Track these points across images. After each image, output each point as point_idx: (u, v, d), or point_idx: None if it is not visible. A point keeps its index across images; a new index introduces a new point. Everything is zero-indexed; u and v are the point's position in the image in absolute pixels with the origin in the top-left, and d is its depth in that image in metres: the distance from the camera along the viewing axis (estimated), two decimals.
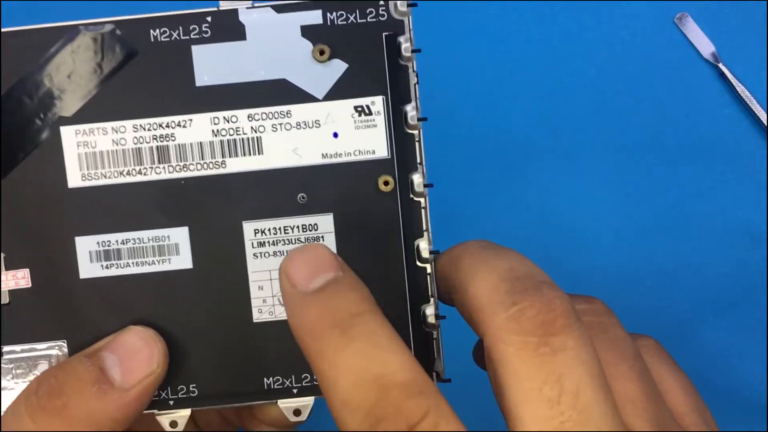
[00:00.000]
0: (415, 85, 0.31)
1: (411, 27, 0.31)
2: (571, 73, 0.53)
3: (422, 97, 0.32)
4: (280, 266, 0.29)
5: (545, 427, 0.25)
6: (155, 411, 0.32)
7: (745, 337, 0.51)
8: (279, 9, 0.31)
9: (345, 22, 0.31)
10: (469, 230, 0.51)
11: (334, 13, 0.31)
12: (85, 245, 0.32)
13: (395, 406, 0.25)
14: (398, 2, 0.31)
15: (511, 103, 0.52)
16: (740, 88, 0.52)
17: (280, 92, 0.31)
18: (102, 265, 0.32)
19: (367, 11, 0.31)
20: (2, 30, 0.32)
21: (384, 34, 0.31)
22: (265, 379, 0.32)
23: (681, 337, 0.51)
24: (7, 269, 0.32)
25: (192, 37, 0.31)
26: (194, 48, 0.31)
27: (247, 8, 0.31)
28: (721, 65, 0.52)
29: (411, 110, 0.31)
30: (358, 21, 0.31)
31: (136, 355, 0.31)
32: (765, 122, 0.51)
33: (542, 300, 0.27)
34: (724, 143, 0.52)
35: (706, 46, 0.52)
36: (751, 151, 0.52)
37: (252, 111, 0.32)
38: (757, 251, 0.52)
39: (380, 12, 0.31)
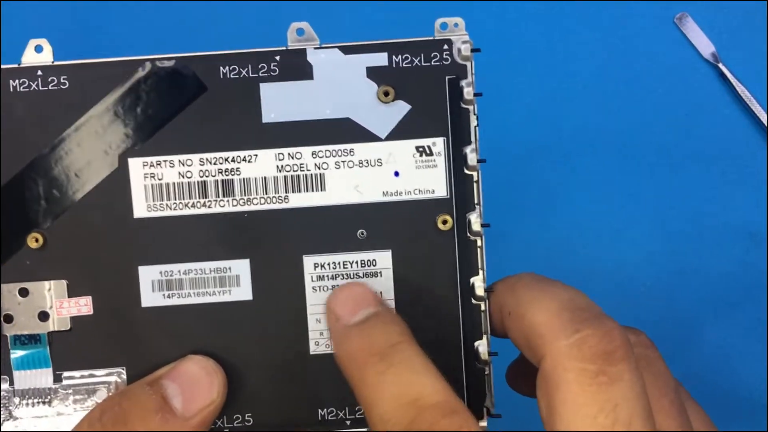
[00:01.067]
0: (475, 127, 0.32)
1: (473, 71, 0.32)
2: (571, 73, 0.53)
3: None
4: (326, 303, 0.32)
5: None
6: None
7: (745, 337, 0.53)
8: (346, 50, 0.32)
9: (410, 65, 0.32)
10: None
11: (400, 56, 0.32)
12: (148, 274, 0.32)
13: (430, 424, 0.27)
14: (462, 47, 0.32)
15: (510, 102, 0.53)
16: (740, 88, 0.53)
17: (344, 131, 0.32)
18: (164, 295, 0.32)
19: (432, 55, 0.32)
20: (70, 62, 0.32)
21: (447, 77, 0.32)
22: (320, 410, 0.33)
23: (681, 337, 0.53)
24: (69, 296, 0.32)
25: (261, 75, 0.32)
26: (262, 85, 0.32)
27: (315, 48, 0.32)
28: (721, 65, 0.53)
29: (470, 152, 0.32)
30: (423, 64, 0.32)
31: (196, 384, 0.31)
32: (765, 122, 0.52)
33: (603, 329, 0.28)
34: (724, 143, 0.53)
35: (706, 46, 0.53)
36: (751, 151, 0.53)
37: (316, 148, 0.32)
38: (757, 251, 0.53)
39: (444, 56, 0.32)
